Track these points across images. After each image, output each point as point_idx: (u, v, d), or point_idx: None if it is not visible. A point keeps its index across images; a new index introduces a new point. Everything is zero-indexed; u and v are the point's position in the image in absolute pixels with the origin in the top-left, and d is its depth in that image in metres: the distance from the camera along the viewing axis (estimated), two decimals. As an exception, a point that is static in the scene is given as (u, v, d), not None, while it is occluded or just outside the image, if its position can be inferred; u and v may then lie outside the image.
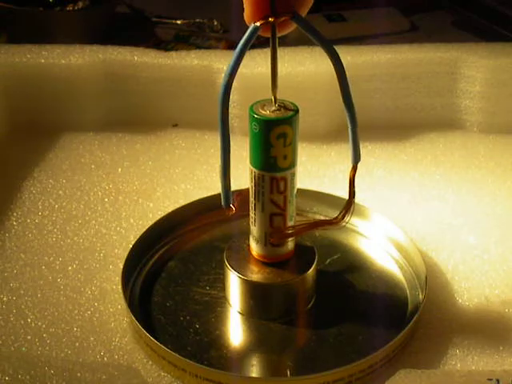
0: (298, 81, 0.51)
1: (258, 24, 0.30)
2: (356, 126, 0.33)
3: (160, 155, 0.51)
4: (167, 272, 0.40)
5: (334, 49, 0.31)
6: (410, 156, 0.51)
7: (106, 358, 0.34)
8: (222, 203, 0.34)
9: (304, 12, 0.31)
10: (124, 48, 0.53)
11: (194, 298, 0.38)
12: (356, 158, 0.34)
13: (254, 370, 0.34)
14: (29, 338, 0.35)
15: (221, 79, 0.52)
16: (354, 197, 0.34)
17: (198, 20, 0.74)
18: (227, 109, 0.31)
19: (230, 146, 0.32)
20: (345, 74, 0.31)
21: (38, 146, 0.51)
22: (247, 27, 0.31)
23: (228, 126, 0.31)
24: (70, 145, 0.52)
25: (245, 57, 0.52)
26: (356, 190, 0.46)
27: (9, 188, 0.47)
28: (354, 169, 0.34)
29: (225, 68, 0.52)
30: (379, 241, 0.42)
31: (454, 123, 0.55)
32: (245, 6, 0.30)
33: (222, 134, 0.32)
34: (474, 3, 0.75)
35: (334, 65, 0.31)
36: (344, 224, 0.34)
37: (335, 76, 0.51)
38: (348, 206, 0.34)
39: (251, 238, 0.35)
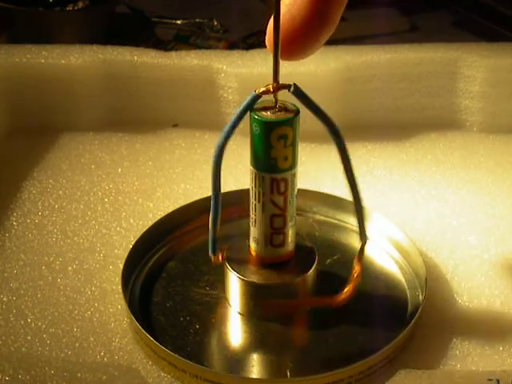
0: (298, 81, 0.51)
1: (259, 92, 0.32)
2: (361, 206, 0.34)
3: (160, 155, 0.51)
4: (167, 272, 0.40)
5: (334, 125, 0.32)
6: (410, 156, 0.51)
7: (106, 359, 0.34)
8: (210, 252, 0.35)
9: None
10: (124, 48, 0.53)
11: (194, 298, 0.38)
12: (364, 238, 0.35)
13: (254, 370, 0.34)
14: (29, 338, 0.35)
15: (221, 79, 0.52)
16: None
17: (198, 20, 0.74)
18: (219, 169, 0.33)
19: (220, 198, 0.34)
20: (346, 152, 0.32)
21: (38, 146, 0.51)
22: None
23: (220, 181, 0.33)
24: (69, 145, 0.52)
25: (244, 56, 0.53)
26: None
27: (9, 188, 0.47)
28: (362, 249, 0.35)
29: (225, 68, 0.52)
30: (379, 241, 0.42)
31: (453, 123, 0.55)
32: None
33: (213, 187, 0.33)
34: (474, 3, 0.75)
35: (334, 141, 0.32)
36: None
37: (335, 76, 0.52)
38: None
39: (251, 239, 0.35)
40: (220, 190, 0.34)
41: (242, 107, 0.32)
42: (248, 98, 0.32)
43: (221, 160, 0.33)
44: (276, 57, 0.31)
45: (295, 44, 0.30)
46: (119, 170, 0.49)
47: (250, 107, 0.32)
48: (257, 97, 0.32)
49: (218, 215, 0.34)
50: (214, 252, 0.35)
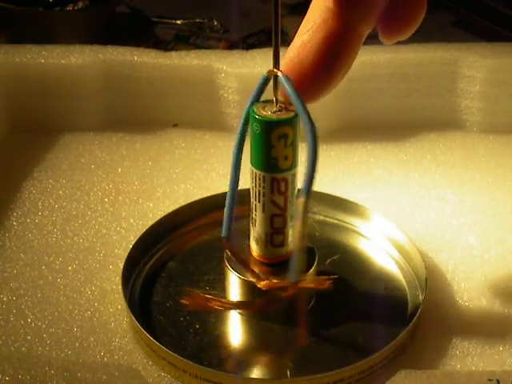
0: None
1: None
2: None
3: (160, 155, 0.51)
4: (167, 272, 0.40)
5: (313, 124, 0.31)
6: (410, 156, 0.51)
7: (106, 359, 0.34)
8: (223, 233, 0.34)
9: None
10: (124, 48, 0.53)
11: (194, 298, 0.38)
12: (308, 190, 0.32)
13: (254, 370, 0.34)
14: (29, 338, 0.35)
15: (221, 79, 0.52)
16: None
17: (198, 20, 0.73)
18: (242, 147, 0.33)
19: (238, 184, 0.34)
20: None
21: (38, 146, 0.51)
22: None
23: (240, 163, 0.33)
24: (69, 145, 0.52)
25: (244, 56, 0.53)
26: (356, 190, 0.47)
27: (9, 188, 0.47)
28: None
29: (225, 68, 0.52)
30: (379, 241, 0.42)
31: (453, 123, 0.55)
32: None
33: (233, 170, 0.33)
34: (474, 3, 0.75)
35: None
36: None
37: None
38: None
39: (251, 239, 0.35)
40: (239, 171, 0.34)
41: (255, 92, 0.32)
42: (260, 81, 0.32)
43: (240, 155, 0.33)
44: (276, 50, 0.31)
45: (305, 88, 0.30)
46: (119, 169, 0.49)
47: (262, 90, 0.32)
48: (268, 79, 0.32)
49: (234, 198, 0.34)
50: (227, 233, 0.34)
